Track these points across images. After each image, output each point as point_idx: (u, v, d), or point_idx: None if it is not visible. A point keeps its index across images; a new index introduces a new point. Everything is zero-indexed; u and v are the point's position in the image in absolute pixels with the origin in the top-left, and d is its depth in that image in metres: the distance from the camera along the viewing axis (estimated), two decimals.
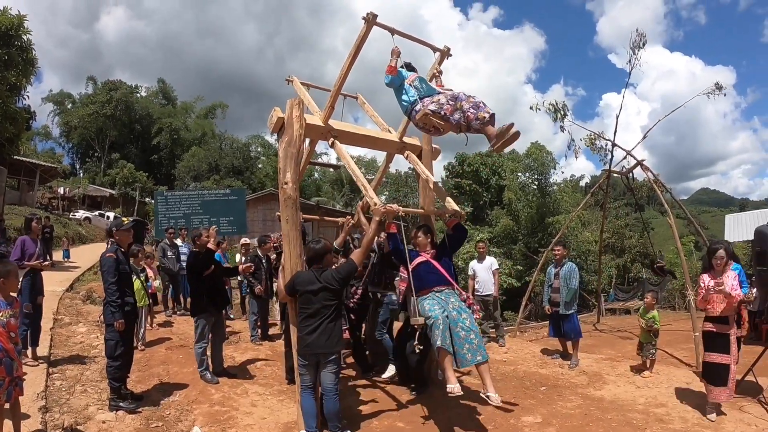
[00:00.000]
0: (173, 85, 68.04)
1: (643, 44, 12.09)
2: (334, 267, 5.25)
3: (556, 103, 12.87)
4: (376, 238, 6.23)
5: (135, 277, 6.96)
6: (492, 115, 5.03)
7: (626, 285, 26.09)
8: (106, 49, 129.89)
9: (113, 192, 47.65)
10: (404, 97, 5.61)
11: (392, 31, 5.65)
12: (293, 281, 5.14)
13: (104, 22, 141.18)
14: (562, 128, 12.92)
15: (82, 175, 54.88)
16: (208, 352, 6.97)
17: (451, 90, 5.57)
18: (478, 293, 9.59)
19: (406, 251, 5.62)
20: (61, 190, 43.50)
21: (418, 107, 5.41)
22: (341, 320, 5.24)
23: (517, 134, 4.94)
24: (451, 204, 6.33)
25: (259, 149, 58.36)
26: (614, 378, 7.58)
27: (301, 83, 6.84)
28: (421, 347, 5.60)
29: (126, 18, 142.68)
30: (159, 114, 59.05)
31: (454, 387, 5.02)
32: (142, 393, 6.14)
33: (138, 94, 61.70)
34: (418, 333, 5.52)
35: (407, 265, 5.60)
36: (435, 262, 5.73)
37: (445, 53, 6.29)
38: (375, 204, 5.38)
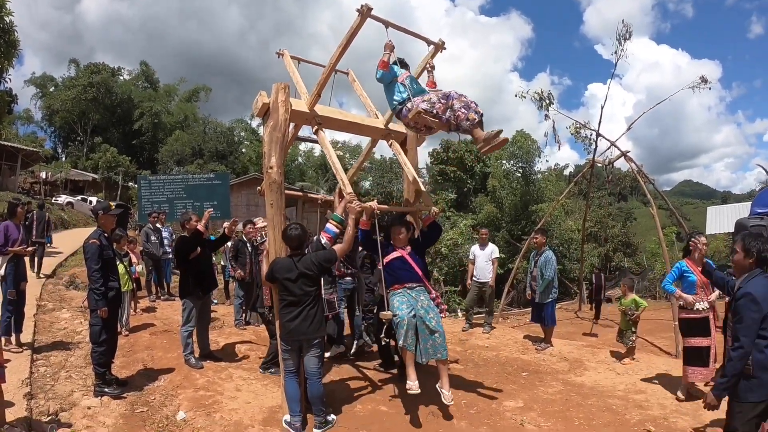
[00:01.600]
0: (156, 68, 67.34)
1: (629, 36, 12.16)
2: (313, 253, 5.27)
3: (542, 92, 12.95)
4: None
5: (118, 261, 6.90)
6: (481, 116, 5.15)
7: (608, 273, 26.39)
8: (87, 32, 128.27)
9: (96, 176, 47.11)
10: (395, 95, 5.61)
11: (386, 24, 5.59)
12: (271, 268, 5.15)
13: (86, 5, 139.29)
14: (547, 117, 13.00)
15: (64, 159, 54.06)
16: (194, 337, 6.99)
17: (441, 90, 5.61)
18: (475, 278, 9.68)
19: (379, 246, 5.58)
20: (43, 175, 42.89)
21: (409, 105, 5.43)
22: (322, 305, 5.26)
23: (504, 141, 5.10)
24: (427, 201, 6.43)
25: (242, 134, 58.03)
26: (595, 365, 7.70)
27: (292, 57, 6.79)
28: (387, 340, 6.02)
29: (108, 0, 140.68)
30: (140, 98, 58.38)
31: (412, 385, 5.22)
32: (126, 378, 6.14)
33: (120, 77, 60.95)
34: (386, 326, 5.77)
35: (380, 260, 5.66)
36: (409, 259, 5.77)
37: (440, 47, 6.24)
38: (351, 201, 5.38)
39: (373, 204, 5.50)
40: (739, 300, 3.83)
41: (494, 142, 5.05)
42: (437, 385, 5.42)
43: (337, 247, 5.34)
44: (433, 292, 5.85)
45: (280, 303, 5.11)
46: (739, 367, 3.77)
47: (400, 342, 5.32)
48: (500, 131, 5.02)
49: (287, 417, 5.08)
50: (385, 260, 5.71)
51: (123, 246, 8.48)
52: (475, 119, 5.11)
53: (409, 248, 5.88)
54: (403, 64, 5.88)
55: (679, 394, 6.17)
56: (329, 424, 5.07)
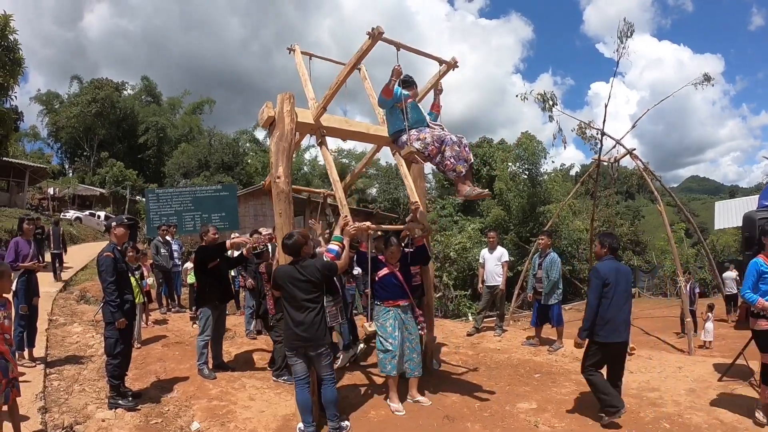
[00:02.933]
0: (158, 81, 67.79)
1: (631, 33, 12.18)
2: (318, 260, 5.29)
3: (545, 93, 12.99)
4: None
5: (130, 274, 6.85)
6: (470, 166, 5.40)
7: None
8: (90, 47, 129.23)
9: (103, 191, 47.33)
10: (395, 122, 5.66)
11: (398, 46, 5.51)
12: (274, 276, 5.17)
13: (88, 20, 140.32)
14: (551, 118, 13.03)
15: (71, 174, 54.41)
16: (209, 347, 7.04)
17: (441, 127, 5.69)
18: (486, 283, 9.66)
19: (369, 262, 5.80)
20: (51, 191, 43.10)
21: (404, 138, 5.51)
22: (326, 312, 5.30)
23: (487, 194, 5.54)
24: (422, 220, 6.54)
25: (246, 144, 58.12)
26: None
27: (303, 53, 6.75)
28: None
29: (110, 15, 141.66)
30: (144, 112, 58.69)
31: (398, 407, 5.64)
32: (140, 390, 6.16)
33: (125, 92, 61.30)
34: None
35: (370, 275, 5.85)
36: (399, 275, 5.92)
37: (452, 65, 6.15)
38: (346, 223, 5.46)
39: (367, 224, 5.63)
40: (591, 273, 5.62)
41: (474, 198, 5.40)
42: (409, 397, 5.85)
43: (339, 262, 5.34)
44: (417, 310, 6.10)
45: (284, 310, 5.12)
46: (591, 317, 5.34)
47: (391, 372, 5.70)
48: (486, 193, 5.42)
49: (301, 425, 5.09)
50: (378, 275, 5.88)
51: (134, 259, 8.45)
52: (462, 172, 5.28)
53: (398, 265, 6.01)
54: (408, 83, 5.83)
55: (759, 416, 5.31)
56: (343, 430, 5.08)
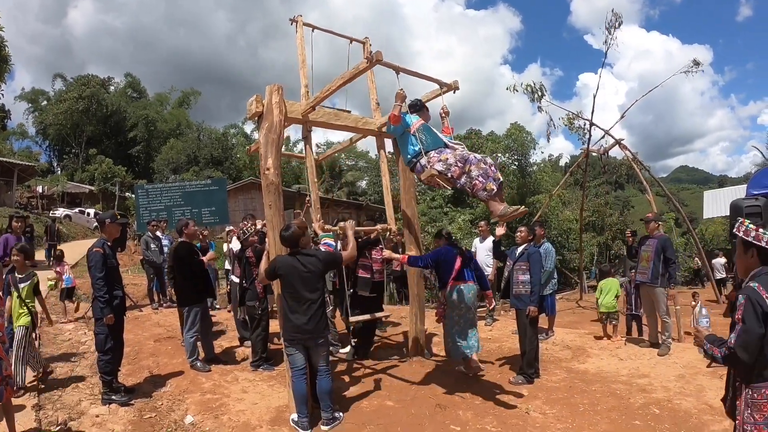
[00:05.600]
0: (146, 78, 67.41)
1: (619, 24, 12.23)
2: (320, 251, 5.31)
3: (534, 84, 13.02)
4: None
5: (14, 289, 5.91)
6: (500, 184, 5.03)
7: (608, 262, 26.42)
8: (76, 44, 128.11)
9: (92, 188, 47.01)
10: (409, 147, 5.45)
11: (397, 69, 5.39)
12: (275, 266, 5.11)
13: (72, 17, 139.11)
14: (540, 109, 13.06)
15: (60, 172, 54.05)
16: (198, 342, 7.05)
17: (462, 146, 5.43)
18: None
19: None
20: (39, 189, 42.88)
21: (423, 162, 5.29)
22: (327, 303, 5.33)
23: (524, 212, 5.13)
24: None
25: (233, 140, 57.80)
26: (597, 351, 7.75)
27: (305, 24, 6.56)
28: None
29: (94, 11, 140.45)
30: (132, 107, 58.28)
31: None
32: (133, 386, 6.17)
33: (111, 87, 60.81)
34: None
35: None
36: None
37: (452, 87, 6.03)
38: (321, 226, 5.75)
39: (348, 224, 5.63)
40: (534, 254, 6.51)
41: (511, 216, 5.00)
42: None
43: (343, 254, 5.36)
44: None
45: (283, 301, 5.11)
46: (537, 291, 6.29)
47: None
48: (522, 209, 5.02)
49: (294, 416, 5.12)
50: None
51: (21, 266, 6.21)
52: (493, 189, 4.95)
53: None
54: (417, 107, 5.73)
55: None
56: (337, 420, 5.10)
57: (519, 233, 7.00)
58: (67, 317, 9.64)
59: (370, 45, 7.12)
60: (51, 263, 16.12)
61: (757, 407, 2.87)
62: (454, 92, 6.10)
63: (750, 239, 3.03)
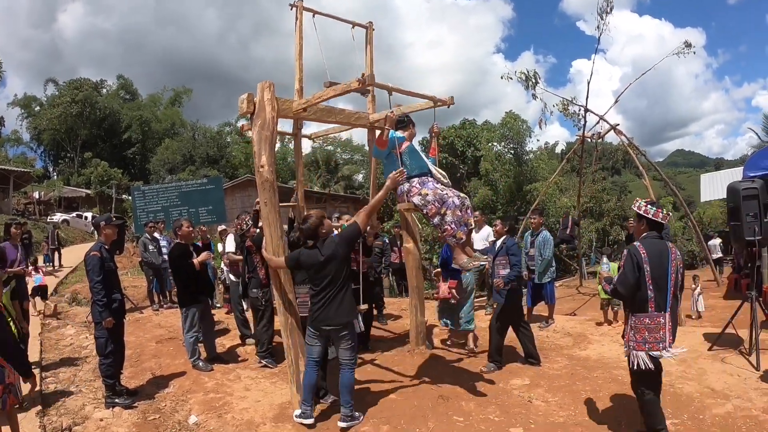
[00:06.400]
0: (138, 78, 66.89)
1: (611, 9, 12.18)
2: (336, 233, 5.24)
3: (527, 72, 12.98)
4: None
5: None
6: (469, 232, 5.27)
7: (607, 248, 26.43)
8: (67, 48, 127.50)
9: (89, 192, 46.91)
10: (393, 167, 5.33)
11: (389, 90, 5.36)
12: (298, 256, 5.07)
13: (62, 21, 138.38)
14: (534, 96, 13.03)
15: (56, 177, 53.84)
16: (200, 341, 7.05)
17: (444, 177, 5.43)
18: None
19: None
20: (36, 195, 42.78)
21: (405, 188, 5.30)
22: (350, 290, 5.17)
23: (486, 263, 5.80)
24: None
25: (227, 138, 57.61)
26: (598, 338, 7.77)
27: (306, 9, 6.33)
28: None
29: (84, 14, 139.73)
30: (126, 108, 58.06)
31: None
32: (136, 388, 6.18)
33: (104, 90, 60.57)
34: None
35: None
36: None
37: (447, 104, 6.01)
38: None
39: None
40: (512, 246, 6.68)
41: (468, 269, 5.59)
42: None
43: (358, 216, 5.18)
44: None
45: (310, 292, 5.09)
46: (516, 270, 6.49)
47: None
48: (479, 259, 5.38)
49: (297, 411, 5.11)
50: None
51: None
52: (462, 239, 5.09)
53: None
54: (403, 123, 5.63)
55: None
56: (356, 420, 5.01)
57: (494, 227, 7.12)
58: (36, 310, 9.86)
59: (373, 29, 7.06)
60: (57, 264, 19.72)
61: (637, 329, 4.28)
62: (448, 107, 6.12)
63: (641, 212, 4.39)
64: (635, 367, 4.33)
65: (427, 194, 5.16)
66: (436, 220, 5.13)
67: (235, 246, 8.91)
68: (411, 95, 5.76)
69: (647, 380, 4.38)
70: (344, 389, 4.99)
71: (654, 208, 4.34)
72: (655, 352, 4.23)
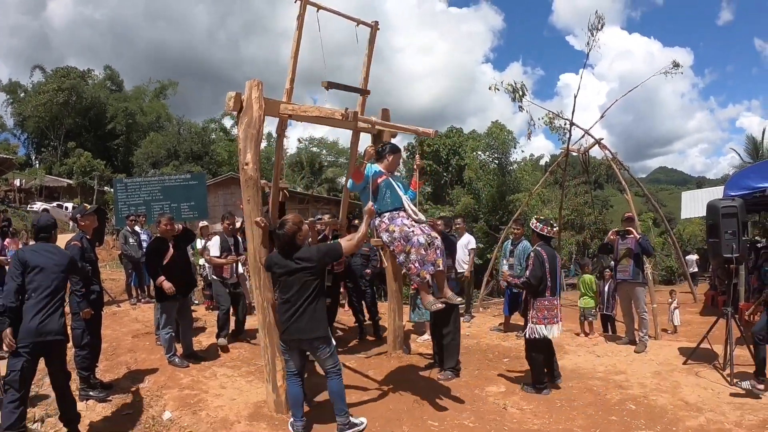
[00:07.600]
0: (125, 71, 66.28)
1: (602, 26, 12.30)
2: (317, 245, 5.19)
3: (515, 83, 13.08)
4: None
5: None
6: (435, 274, 5.07)
7: (586, 259, 26.67)
8: (55, 36, 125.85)
9: (71, 182, 46.37)
10: (367, 200, 5.23)
11: (373, 123, 5.54)
12: (271, 260, 4.88)
13: (52, 9, 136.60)
14: (521, 108, 13.13)
15: (38, 165, 53.18)
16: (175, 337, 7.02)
17: (418, 215, 5.30)
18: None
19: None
20: (17, 182, 42.28)
21: (376, 222, 5.26)
22: (324, 300, 4.92)
23: (459, 302, 5.87)
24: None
25: (214, 134, 57.27)
26: (575, 348, 7.84)
27: (310, 3, 6.12)
28: None
29: (74, 3, 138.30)
30: (112, 99, 57.52)
31: None
32: (111, 382, 6.15)
33: (90, 80, 59.94)
34: None
35: None
36: None
37: (432, 136, 5.80)
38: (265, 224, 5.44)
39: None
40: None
41: (434, 311, 5.39)
42: None
43: (343, 243, 4.98)
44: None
45: (278, 300, 5.00)
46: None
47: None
48: (441, 304, 5.18)
49: (292, 420, 4.92)
50: None
51: None
52: (425, 278, 4.96)
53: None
54: (381, 155, 5.48)
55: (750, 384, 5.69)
56: (356, 426, 4.85)
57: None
58: None
59: (378, 28, 6.99)
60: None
61: (538, 310, 5.83)
62: (432, 138, 6.15)
63: (534, 228, 6.04)
64: (531, 337, 5.87)
65: (394, 231, 5.07)
66: (401, 258, 5.03)
67: (221, 249, 8.70)
68: (395, 128, 5.93)
69: (538, 347, 5.92)
70: (334, 397, 4.82)
71: (541, 225, 6.04)
72: (551, 325, 5.81)
